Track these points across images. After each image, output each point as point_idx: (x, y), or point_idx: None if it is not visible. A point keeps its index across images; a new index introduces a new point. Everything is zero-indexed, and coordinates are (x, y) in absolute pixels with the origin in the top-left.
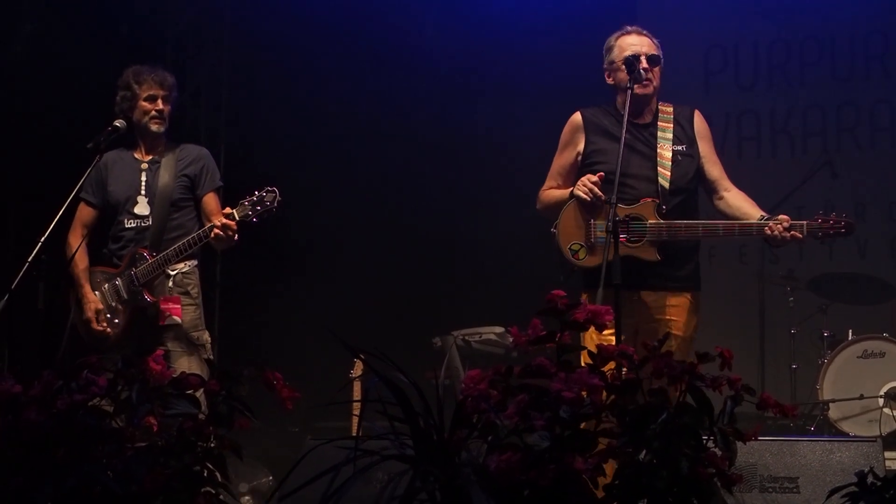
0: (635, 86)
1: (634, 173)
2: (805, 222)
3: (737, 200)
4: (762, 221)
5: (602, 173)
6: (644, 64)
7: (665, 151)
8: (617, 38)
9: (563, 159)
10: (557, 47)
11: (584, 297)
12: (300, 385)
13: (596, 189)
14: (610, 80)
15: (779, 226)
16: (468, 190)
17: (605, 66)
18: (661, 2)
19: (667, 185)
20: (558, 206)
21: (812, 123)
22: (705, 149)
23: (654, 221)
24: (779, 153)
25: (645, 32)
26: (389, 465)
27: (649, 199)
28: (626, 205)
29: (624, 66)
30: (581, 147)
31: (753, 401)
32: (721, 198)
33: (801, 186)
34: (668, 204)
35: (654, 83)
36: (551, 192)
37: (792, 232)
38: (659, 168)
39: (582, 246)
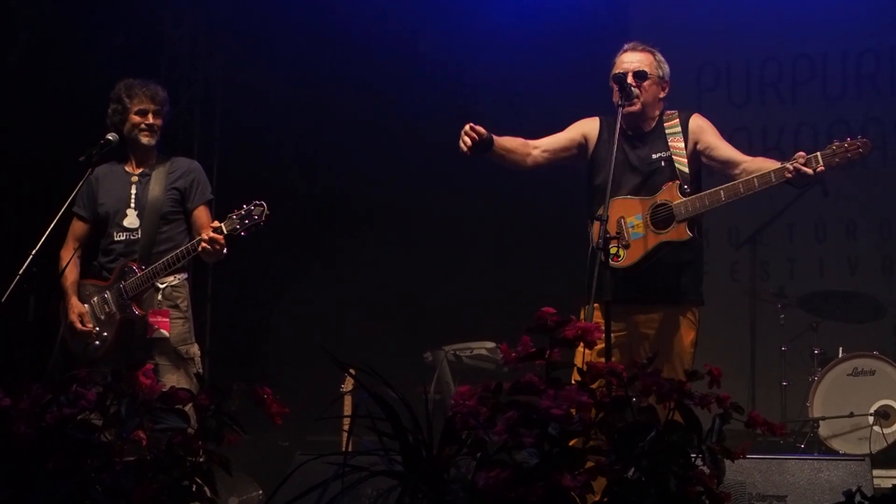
0: (625, 104)
1: (637, 183)
2: (819, 153)
3: (756, 163)
4: (778, 167)
5: (471, 124)
6: (630, 80)
7: (678, 144)
8: (617, 57)
9: (562, 135)
10: (552, 63)
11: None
12: (291, 399)
13: (471, 134)
14: (614, 99)
15: (796, 163)
16: (462, 205)
17: (610, 84)
18: (655, 19)
19: (686, 170)
20: (511, 152)
21: (803, 141)
22: (710, 139)
23: (679, 201)
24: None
25: (642, 47)
26: (378, 481)
27: (670, 183)
28: (648, 195)
29: (615, 85)
30: (584, 144)
31: (742, 419)
32: (742, 170)
33: (792, 204)
34: (689, 185)
35: (643, 99)
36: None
37: (812, 167)
38: (675, 157)
39: (619, 247)
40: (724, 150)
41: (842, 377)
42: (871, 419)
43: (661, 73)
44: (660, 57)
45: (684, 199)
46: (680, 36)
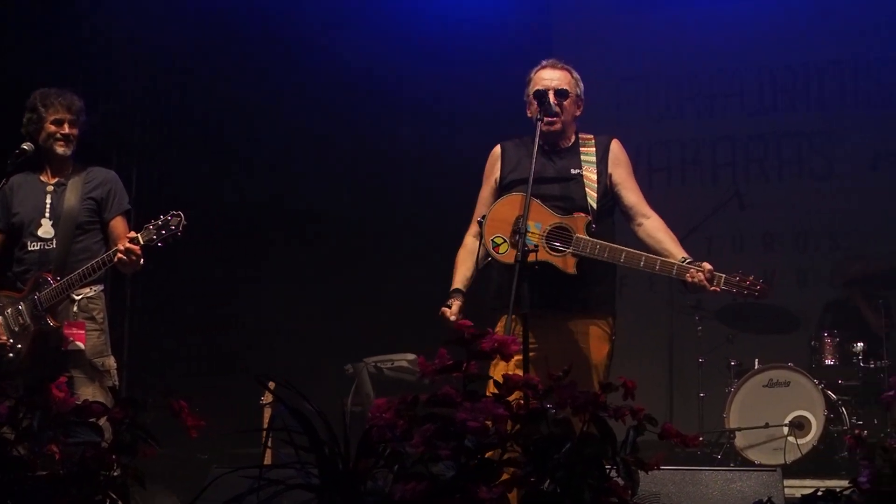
0: (545, 119)
1: (556, 194)
2: (724, 276)
3: (658, 233)
4: (684, 265)
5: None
6: (551, 98)
7: (591, 174)
8: (535, 72)
9: (485, 191)
10: (474, 77)
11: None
12: (211, 411)
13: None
14: (528, 112)
15: (699, 273)
16: (384, 217)
17: (524, 98)
18: (575, 34)
19: (595, 205)
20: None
21: (722, 155)
22: (622, 175)
23: (581, 236)
24: (689, 184)
25: (561, 65)
26: (295, 494)
27: (583, 215)
28: (563, 207)
29: (534, 100)
30: (497, 175)
31: (655, 430)
32: (640, 224)
33: (710, 217)
34: (597, 224)
35: (563, 117)
36: (457, 264)
37: (712, 287)
38: (587, 189)
39: (505, 241)
40: (631, 194)
41: (757, 388)
42: (785, 430)
43: (578, 92)
44: (577, 75)
45: (587, 237)
46: (601, 50)
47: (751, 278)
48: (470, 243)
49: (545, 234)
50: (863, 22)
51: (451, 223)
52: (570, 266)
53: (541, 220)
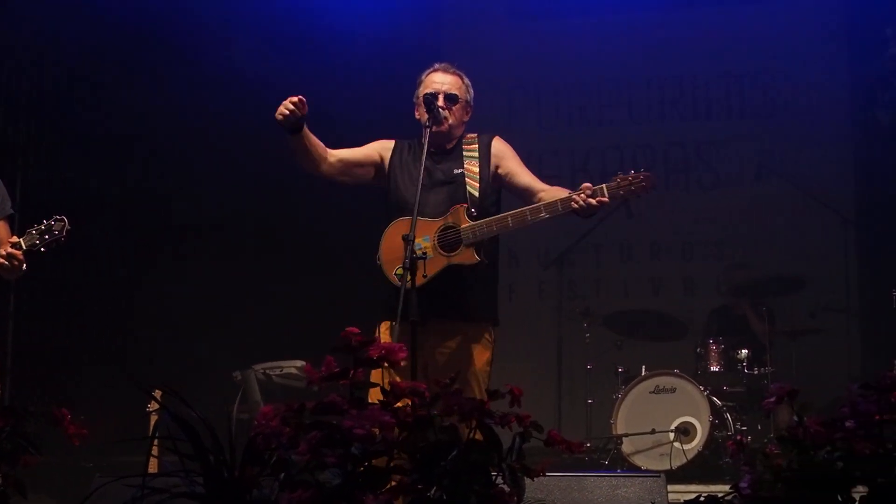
0: (432, 125)
1: (442, 198)
2: (604, 185)
3: (551, 192)
4: (565, 197)
5: (303, 98)
6: (441, 102)
7: (473, 167)
8: (425, 75)
9: (359, 150)
10: (363, 83)
11: (385, 326)
12: (98, 419)
13: (294, 106)
14: (416, 114)
15: (581, 195)
16: (273, 221)
17: (413, 100)
18: (465, 41)
19: (476, 193)
20: (314, 147)
21: (610, 164)
22: (510, 165)
23: (466, 225)
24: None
25: (453, 70)
26: (179, 503)
27: (458, 206)
28: (438, 218)
29: (423, 104)
30: (380, 164)
31: (541, 437)
32: (539, 198)
33: (598, 225)
34: (477, 209)
35: (451, 121)
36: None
37: (597, 198)
38: (468, 180)
39: (404, 268)
40: (523, 177)
41: (644, 395)
42: (671, 436)
43: (468, 98)
44: (467, 81)
45: (472, 223)
46: (491, 59)
47: (631, 173)
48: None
49: (436, 243)
50: (749, 35)
51: (343, 229)
52: (472, 257)
53: (427, 232)
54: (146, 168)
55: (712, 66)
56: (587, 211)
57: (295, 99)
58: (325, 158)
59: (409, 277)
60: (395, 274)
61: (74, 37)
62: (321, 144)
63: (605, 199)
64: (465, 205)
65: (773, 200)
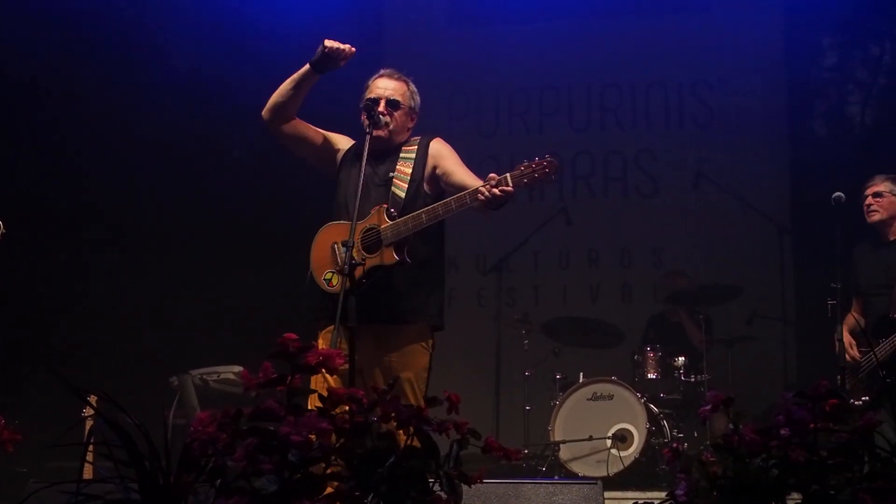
0: (373, 129)
1: (369, 204)
2: (508, 174)
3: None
4: (473, 189)
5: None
6: (381, 108)
7: (406, 169)
8: (371, 80)
9: (322, 130)
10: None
11: (324, 330)
12: (32, 423)
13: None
14: (362, 118)
15: (486, 187)
16: (211, 225)
17: (360, 104)
18: (406, 45)
19: (402, 195)
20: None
21: None
22: (447, 165)
23: (385, 225)
24: (516, 198)
25: (397, 76)
26: None
27: (379, 206)
28: (360, 221)
29: (364, 109)
30: (336, 154)
31: (479, 444)
32: None
33: (537, 232)
34: (398, 209)
35: (392, 126)
36: None
37: (501, 187)
38: (396, 181)
39: (333, 273)
40: (458, 175)
41: (582, 401)
42: (608, 442)
43: (412, 104)
44: (413, 87)
45: (390, 222)
46: (431, 64)
47: (535, 160)
48: None
49: (360, 245)
50: (688, 45)
51: (281, 231)
52: (390, 258)
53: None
54: (84, 171)
55: (651, 75)
56: (494, 202)
57: (353, 49)
58: (294, 115)
59: (347, 282)
60: (324, 279)
61: (10, 42)
62: (299, 104)
63: (509, 189)
64: (386, 205)
65: (710, 209)
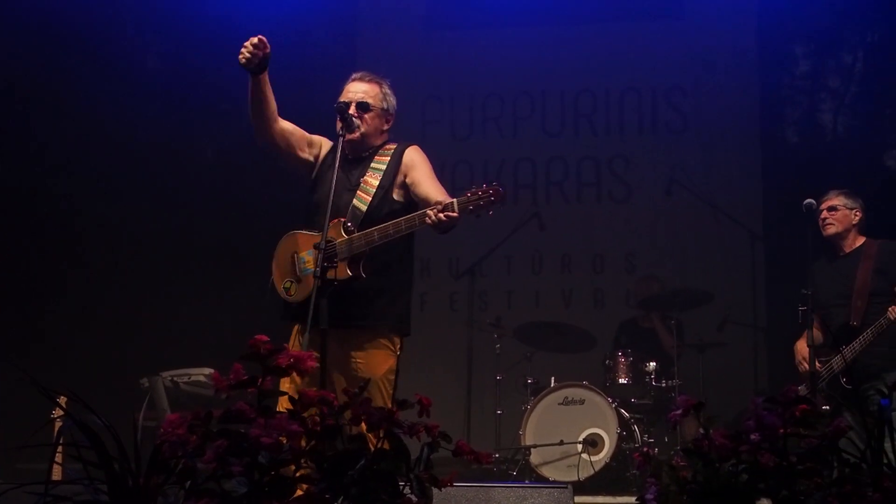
0: (345, 132)
1: (340, 209)
2: (455, 200)
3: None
4: (421, 211)
5: (263, 38)
6: (352, 111)
7: (372, 180)
8: (345, 84)
9: (305, 133)
10: (279, 88)
11: (295, 328)
12: (1, 424)
13: (257, 49)
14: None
15: (433, 210)
16: (183, 226)
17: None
18: (380, 49)
19: (363, 207)
20: (271, 100)
21: (522, 176)
22: (415, 175)
23: (341, 240)
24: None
25: (370, 78)
26: None
27: (336, 220)
28: (319, 232)
29: (336, 112)
30: (317, 156)
31: (450, 447)
32: None
33: (510, 237)
34: (356, 223)
35: (363, 129)
36: None
37: (447, 213)
38: (359, 192)
39: (292, 282)
40: (424, 186)
41: (553, 406)
42: (579, 447)
43: (385, 106)
44: (387, 89)
45: (346, 237)
46: (405, 68)
47: (482, 187)
48: None
49: (317, 260)
50: (661, 51)
51: (252, 234)
52: (343, 273)
53: (310, 247)
54: (58, 173)
55: (625, 81)
56: (441, 226)
57: (255, 40)
58: (276, 118)
59: (318, 283)
60: (284, 288)
61: None
62: (275, 105)
63: (454, 214)
64: (343, 219)
65: (682, 215)
